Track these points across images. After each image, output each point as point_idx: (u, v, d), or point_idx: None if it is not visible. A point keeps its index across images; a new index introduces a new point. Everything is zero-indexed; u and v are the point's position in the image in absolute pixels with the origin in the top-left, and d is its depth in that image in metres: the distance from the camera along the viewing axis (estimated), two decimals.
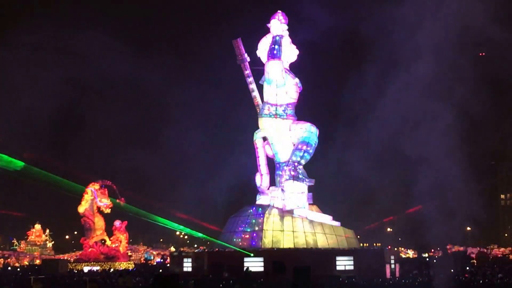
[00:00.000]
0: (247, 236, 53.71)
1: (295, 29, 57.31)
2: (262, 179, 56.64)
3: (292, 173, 54.63)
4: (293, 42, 57.22)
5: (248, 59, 58.38)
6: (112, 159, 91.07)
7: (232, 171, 67.55)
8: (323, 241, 53.30)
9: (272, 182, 57.19)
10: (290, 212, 54.49)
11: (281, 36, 55.66)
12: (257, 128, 57.27)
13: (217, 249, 54.46)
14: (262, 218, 54.12)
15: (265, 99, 56.71)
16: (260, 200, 56.69)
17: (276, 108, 55.70)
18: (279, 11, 56.81)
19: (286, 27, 56.48)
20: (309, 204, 55.92)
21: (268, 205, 55.38)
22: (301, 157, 54.90)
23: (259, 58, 57.17)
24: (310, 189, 55.82)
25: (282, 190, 55.21)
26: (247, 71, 58.08)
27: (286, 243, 52.79)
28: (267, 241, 52.85)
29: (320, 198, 59.16)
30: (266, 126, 56.26)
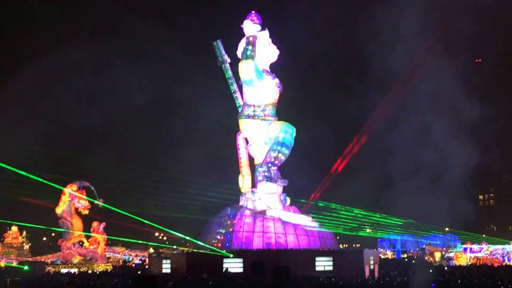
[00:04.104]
0: (222, 237, 53.51)
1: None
2: (244, 180, 56.44)
3: (266, 174, 54.56)
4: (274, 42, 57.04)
5: (229, 60, 58.27)
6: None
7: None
8: (294, 242, 53.11)
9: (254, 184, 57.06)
10: (263, 213, 54.37)
11: (255, 37, 55.11)
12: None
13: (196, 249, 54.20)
14: (234, 220, 54.01)
15: (244, 100, 56.56)
16: (242, 201, 56.57)
17: (254, 109, 55.55)
18: (253, 12, 56.33)
19: (260, 27, 55.86)
20: (286, 205, 55.93)
21: (241, 206, 55.35)
22: (275, 158, 54.81)
23: (240, 59, 57.02)
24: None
25: (252, 191, 55.20)
26: (228, 72, 57.94)
27: (256, 244, 52.60)
28: (238, 242, 52.71)
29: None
30: (246, 127, 56.07)
